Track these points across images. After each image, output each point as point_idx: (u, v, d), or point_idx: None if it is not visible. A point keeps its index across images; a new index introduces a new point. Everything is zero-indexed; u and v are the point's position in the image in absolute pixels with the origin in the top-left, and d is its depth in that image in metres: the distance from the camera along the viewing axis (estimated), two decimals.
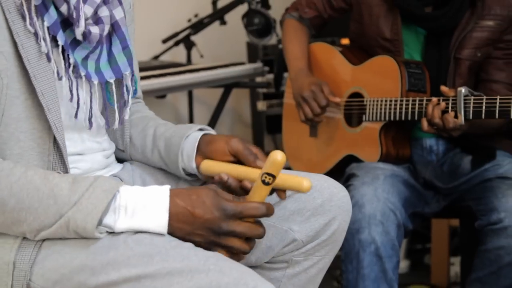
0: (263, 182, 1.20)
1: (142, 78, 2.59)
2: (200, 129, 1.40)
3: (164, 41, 3.24)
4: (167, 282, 1.09)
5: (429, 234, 2.99)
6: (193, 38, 3.20)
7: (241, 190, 1.30)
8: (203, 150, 1.35)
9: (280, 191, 1.27)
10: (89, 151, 1.35)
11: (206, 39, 3.33)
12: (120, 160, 1.50)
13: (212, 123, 3.09)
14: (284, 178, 1.24)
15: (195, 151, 1.35)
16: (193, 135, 1.37)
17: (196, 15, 3.27)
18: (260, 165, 1.29)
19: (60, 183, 1.15)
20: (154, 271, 1.10)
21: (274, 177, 1.19)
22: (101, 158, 1.39)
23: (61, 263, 1.16)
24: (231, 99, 3.24)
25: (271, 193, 1.25)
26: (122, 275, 1.12)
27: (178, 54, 3.33)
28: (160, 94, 3.04)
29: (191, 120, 3.32)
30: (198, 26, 3.18)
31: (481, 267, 1.95)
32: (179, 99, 3.54)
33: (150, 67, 2.81)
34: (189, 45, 3.19)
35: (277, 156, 1.18)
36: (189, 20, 3.29)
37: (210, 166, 1.35)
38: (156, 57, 3.23)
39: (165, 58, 3.27)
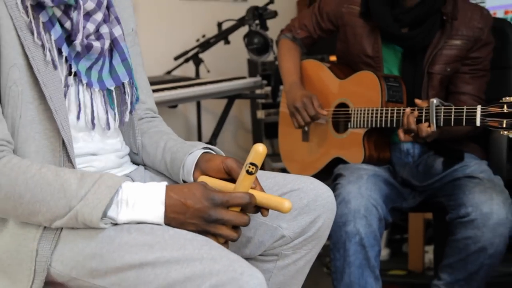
0: (247, 172, 1.20)
1: (157, 90, 2.58)
2: (205, 147, 1.38)
3: (176, 58, 3.25)
4: (166, 269, 1.09)
5: (407, 226, 2.99)
6: (201, 55, 3.21)
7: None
8: (202, 167, 1.33)
9: (263, 209, 1.25)
10: (102, 151, 1.35)
11: (212, 56, 3.34)
12: (135, 163, 1.49)
13: (218, 129, 3.09)
14: (268, 197, 1.23)
15: (193, 167, 1.34)
16: (195, 153, 1.36)
17: (203, 36, 3.28)
18: None
19: (70, 179, 1.15)
20: (154, 259, 1.10)
21: (257, 167, 1.19)
22: (114, 158, 1.38)
23: (76, 252, 1.17)
24: (234, 108, 3.23)
25: (256, 211, 1.24)
26: (126, 261, 1.12)
27: (188, 69, 3.34)
28: (172, 105, 3.04)
29: (199, 127, 3.32)
30: (205, 45, 3.18)
31: (452, 254, 1.95)
32: (188, 109, 3.54)
33: (163, 81, 2.81)
34: (197, 61, 3.20)
35: (259, 148, 1.18)
36: (198, 40, 3.31)
37: (206, 181, 1.34)
38: (168, 72, 3.24)
39: (177, 73, 3.28)
